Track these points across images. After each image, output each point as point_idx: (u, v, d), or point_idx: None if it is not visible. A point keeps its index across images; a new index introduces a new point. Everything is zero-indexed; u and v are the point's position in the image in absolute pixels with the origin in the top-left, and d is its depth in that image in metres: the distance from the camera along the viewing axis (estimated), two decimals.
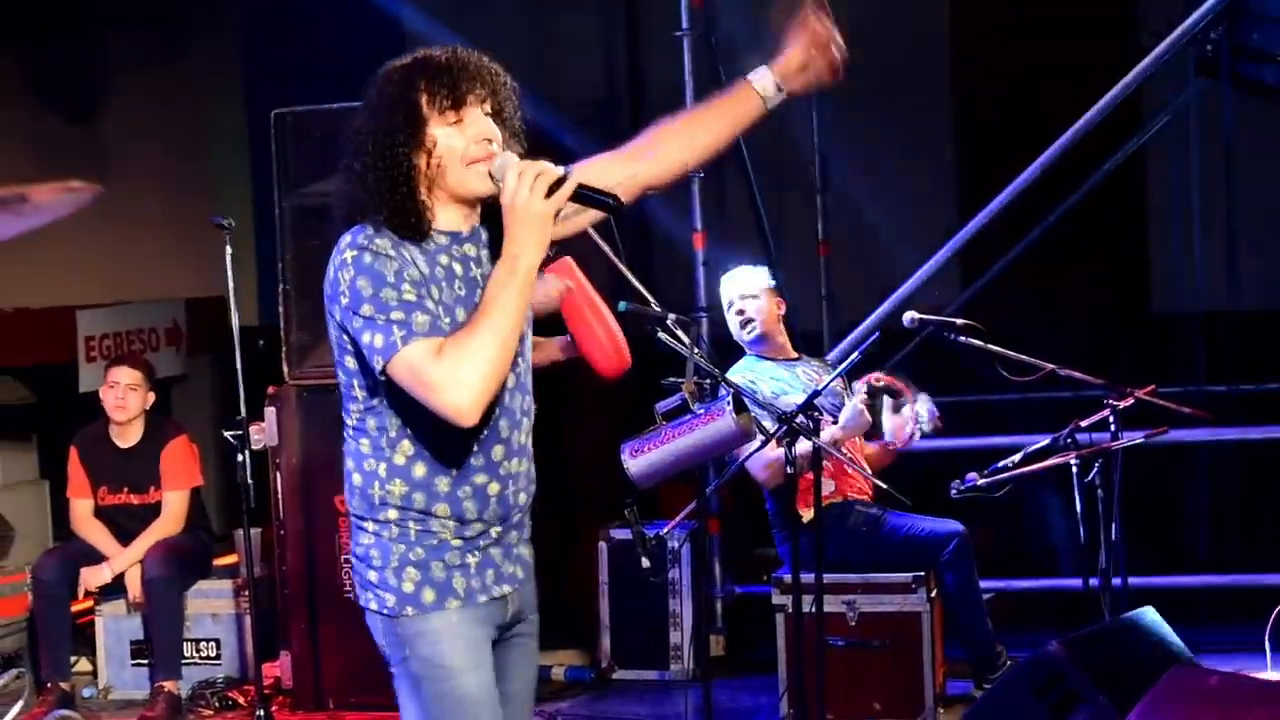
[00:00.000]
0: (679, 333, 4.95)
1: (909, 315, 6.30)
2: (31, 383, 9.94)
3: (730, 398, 4.82)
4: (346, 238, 3.30)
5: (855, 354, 6.31)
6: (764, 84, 3.51)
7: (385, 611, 3.38)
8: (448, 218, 3.38)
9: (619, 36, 10.95)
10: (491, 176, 3.31)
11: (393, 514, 3.37)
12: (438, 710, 3.35)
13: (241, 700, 7.30)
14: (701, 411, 4.81)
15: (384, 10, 10.78)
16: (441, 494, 3.35)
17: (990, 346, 6.02)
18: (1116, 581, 5.90)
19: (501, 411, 3.37)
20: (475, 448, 3.34)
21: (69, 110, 11.28)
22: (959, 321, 6.18)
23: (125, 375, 7.58)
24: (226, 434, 6.67)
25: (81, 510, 7.65)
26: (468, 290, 3.35)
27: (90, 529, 7.61)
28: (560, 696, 7.27)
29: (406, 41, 10.51)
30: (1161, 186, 9.74)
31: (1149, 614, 5.58)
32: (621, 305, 4.98)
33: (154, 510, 7.56)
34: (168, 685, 7.26)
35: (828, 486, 6.41)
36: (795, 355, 6.81)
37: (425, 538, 3.36)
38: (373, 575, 3.40)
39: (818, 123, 8.78)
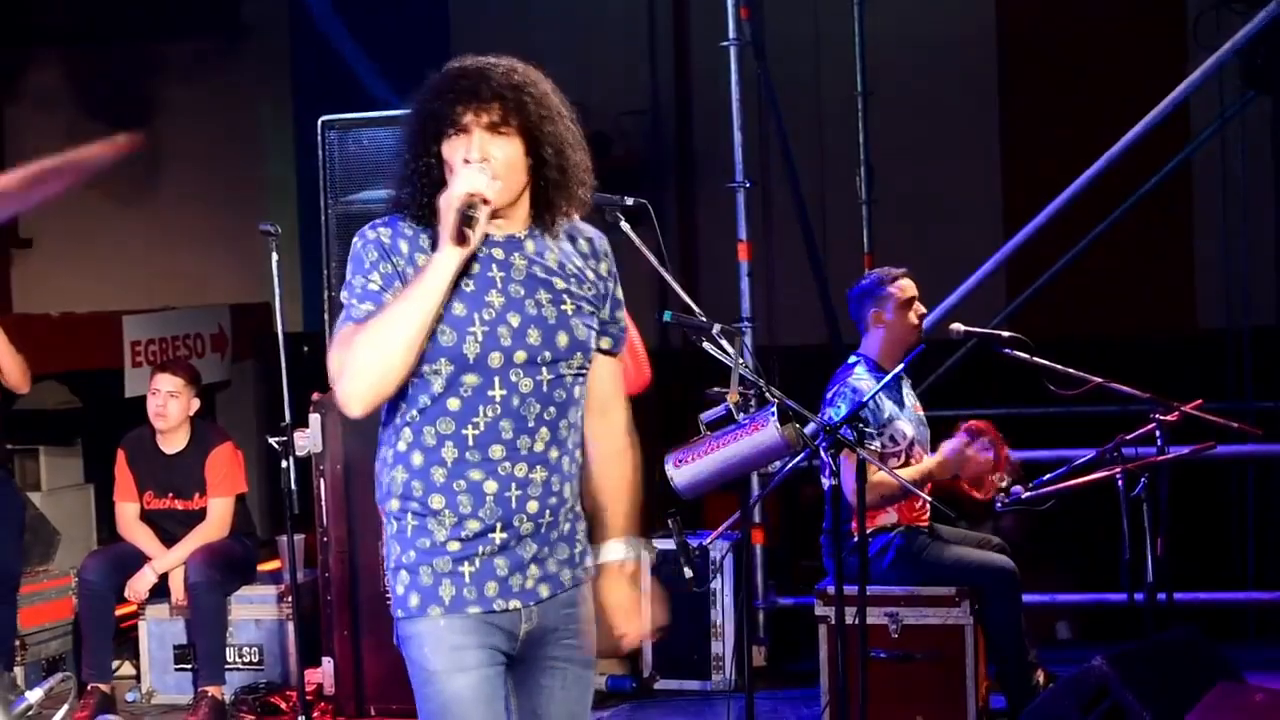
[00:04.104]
0: (724, 343, 4.92)
1: (955, 327, 6.27)
2: (78, 387, 10.00)
3: (775, 409, 4.80)
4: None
5: (900, 365, 6.30)
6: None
7: (393, 611, 3.44)
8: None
9: (666, 46, 10.96)
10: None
11: (395, 504, 3.39)
12: (426, 711, 3.38)
13: (284, 706, 7.31)
14: (746, 422, 4.79)
15: (431, 19, 10.81)
16: (437, 485, 3.34)
17: (1037, 359, 5.99)
18: (1162, 597, 5.85)
19: (505, 412, 3.33)
20: (470, 442, 3.32)
21: (118, 117, 11.35)
22: (1005, 334, 6.15)
23: (166, 383, 7.57)
24: (271, 440, 6.68)
25: (127, 514, 7.66)
26: (478, 287, 3.35)
27: (136, 532, 7.62)
28: (602, 705, 7.26)
29: (453, 51, 10.55)
30: (1208, 200, 9.70)
31: (1194, 630, 5.55)
32: (666, 315, 4.95)
33: (199, 516, 7.57)
34: (211, 690, 7.26)
35: (891, 517, 6.36)
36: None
37: (420, 536, 3.35)
38: (387, 575, 3.45)
39: (864, 133, 8.75)
